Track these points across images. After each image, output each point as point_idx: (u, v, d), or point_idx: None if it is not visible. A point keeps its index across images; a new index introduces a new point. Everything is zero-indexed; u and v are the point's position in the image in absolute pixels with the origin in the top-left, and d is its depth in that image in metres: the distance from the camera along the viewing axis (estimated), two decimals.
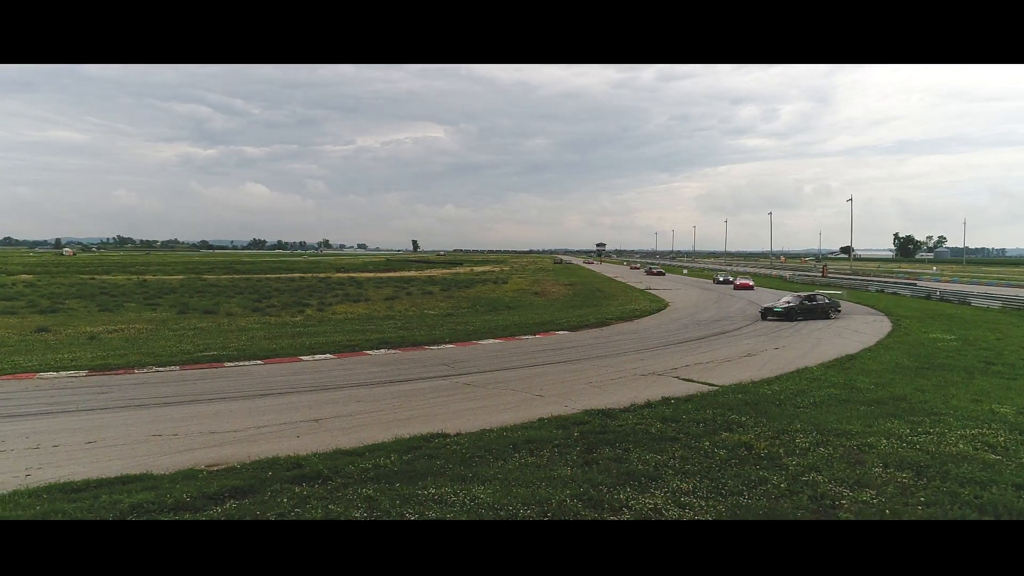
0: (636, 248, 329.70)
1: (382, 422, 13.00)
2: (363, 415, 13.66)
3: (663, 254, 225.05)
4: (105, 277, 65.67)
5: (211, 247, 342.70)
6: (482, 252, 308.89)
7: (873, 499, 8.58)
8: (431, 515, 7.87)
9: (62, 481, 9.15)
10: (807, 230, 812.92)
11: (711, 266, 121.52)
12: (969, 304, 42.86)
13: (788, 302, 33.64)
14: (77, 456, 10.70)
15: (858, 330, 28.22)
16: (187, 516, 7.86)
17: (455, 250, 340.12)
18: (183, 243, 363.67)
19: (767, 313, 33.11)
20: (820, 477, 9.34)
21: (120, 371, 18.46)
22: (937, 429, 11.89)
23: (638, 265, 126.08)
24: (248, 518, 7.77)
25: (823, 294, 36.93)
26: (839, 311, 34.43)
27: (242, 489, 8.74)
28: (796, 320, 31.85)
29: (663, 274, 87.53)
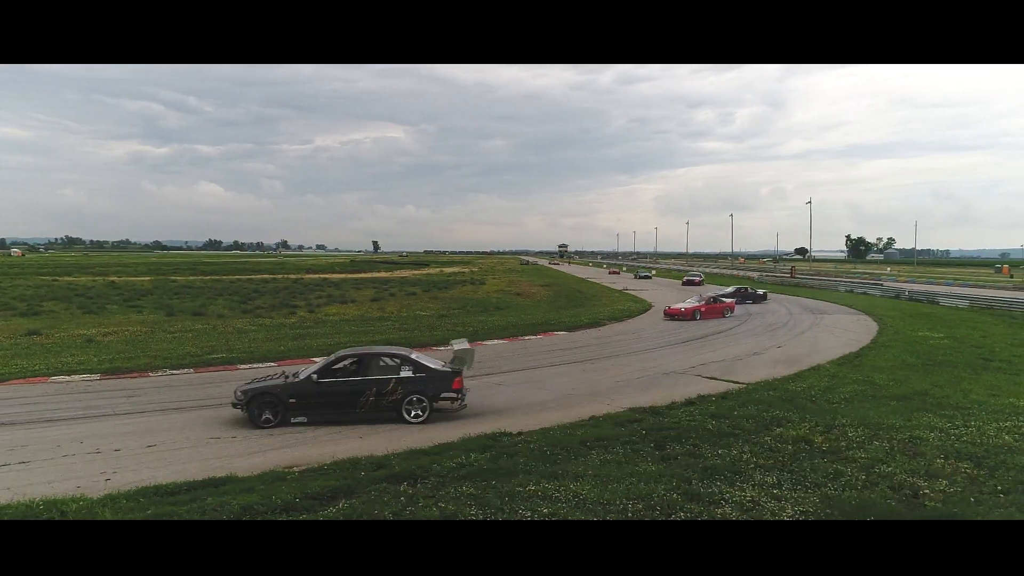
0: (597, 249, 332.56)
1: (434, 421, 13.06)
2: None
3: (625, 255, 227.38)
4: (68, 278, 63.58)
5: (165, 247, 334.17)
6: (445, 253, 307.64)
7: (949, 488, 9.00)
8: (544, 511, 8.02)
9: (152, 484, 9.03)
10: (763, 231, 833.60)
11: (675, 266, 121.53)
12: (938, 303, 44.54)
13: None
14: (145, 460, 10.54)
15: (850, 330, 29.12)
16: (302, 516, 7.87)
17: (425, 251, 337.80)
18: (135, 243, 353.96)
19: None
20: (890, 469, 9.74)
21: (133, 374, 18.10)
22: (974, 423, 12.44)
23: (617, 270, 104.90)
24: (365, 518, 7.81)
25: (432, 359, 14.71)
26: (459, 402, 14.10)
27: (342, 489, 8.75)
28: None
29: (700, 281, 64.93)
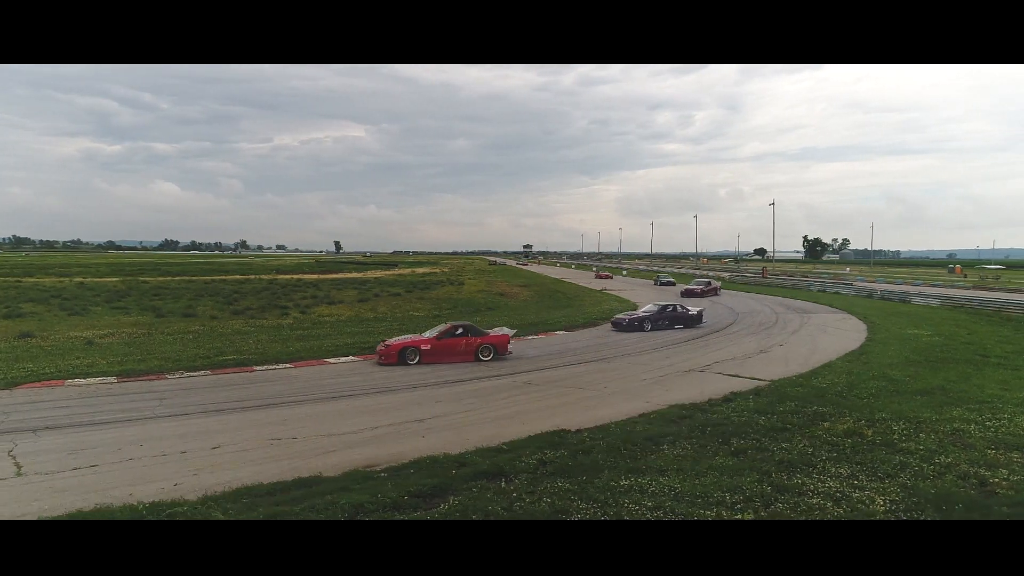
0: (560, 249, 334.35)
1: (487, 420, 13.24)
2: (459, 414, 13.80)
3: (589, 255, 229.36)
4: (32, 279, 61.51)
5: (119, 248, 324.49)
6: (409, 253, 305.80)
7: (1012, 476, 9.48)
8: (648, 504, 8.24)
9: (243, 485, 9.02)
10: (721, 232, 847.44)
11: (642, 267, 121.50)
12: (910, 302, 46.06)
13: None
14: (219, 461, 10.47)
15: (841, 328, 30.01)
16: (416, 515, 7.95)
17: (394, 252, 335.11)
18: (87, 244, 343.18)
19: None
20: (949, 459, 10.18)
21: (150, 376, 17.82)
22: (1004, 416, 13.01)
23: (609, 274, 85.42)
24: (479, 515, 7.92)
25: None
26: None
27: (441, 487, 8.85)
28: None
29: (706, 291, 51.00)
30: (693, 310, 31.72)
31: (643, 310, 31.81)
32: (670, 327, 29.76)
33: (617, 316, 30.82)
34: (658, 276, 73.94)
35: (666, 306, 31.50)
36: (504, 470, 9.54)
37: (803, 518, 7.96)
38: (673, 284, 62.76)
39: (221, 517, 7.70)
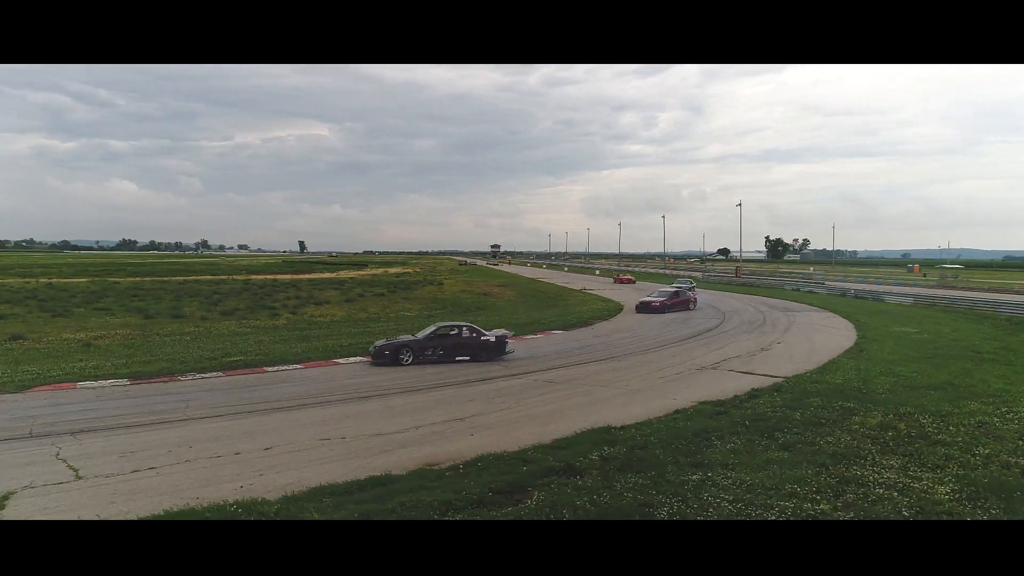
0: (527, 249, 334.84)
1: (525, 419, 13.39)
2: (495, 413, 13.91)
3: (557, 255, 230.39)
4: None
5: (74, 247, 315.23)
6: (375, 253, 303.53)
7: None
8: (726, 497, 8.46)
9: (319, 485, 9.03)
10: (685, 232, 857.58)
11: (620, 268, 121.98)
12: (884, 301, 47.44)
13: None
14: (277, 462, 10.43)
15: (830, 326, 30.81)
16: (508, 510, 8.05)
17: (365, 251, 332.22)
18: (41, 243, 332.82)
19: None
20: (987, 451, 10.60)
21: (163, 378, 17.56)
22: (1020, 408, 13.59)
23: (631, 278, 71.74)
24: (568, 514, 8.06)
25: None
26: None
27: (518, 484, 8.96)
28: None
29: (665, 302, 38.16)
30: (489, 335, 22.30)
31: (419, 335, 22.10)
32: (448, 358, 21.05)
33: (378, 343, 21.39)
34: (674, 280, 61.46)
35: (451, 327, 22.36)
36: (573, 466, 9.68)
37: (875, 508, 8.25)
38: (632, 281, 53.66)
39: (317, 517, 7.69)
